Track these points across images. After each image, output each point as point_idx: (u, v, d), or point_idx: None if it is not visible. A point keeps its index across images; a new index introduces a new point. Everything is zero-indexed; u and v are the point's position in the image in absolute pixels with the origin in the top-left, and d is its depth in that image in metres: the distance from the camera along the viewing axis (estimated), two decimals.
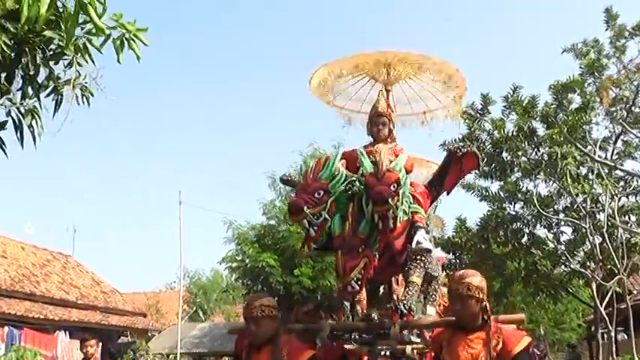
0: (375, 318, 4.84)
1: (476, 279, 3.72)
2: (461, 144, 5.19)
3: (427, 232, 4.99)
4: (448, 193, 5.69)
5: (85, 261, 25.38)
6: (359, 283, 4.53)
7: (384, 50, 5.95)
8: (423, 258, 4.85)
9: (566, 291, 13.18)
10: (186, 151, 66.24)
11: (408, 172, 4.93)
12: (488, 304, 3.73)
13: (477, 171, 12.61)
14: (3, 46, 3.53)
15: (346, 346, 4.97)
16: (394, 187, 4.49)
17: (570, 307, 21.55)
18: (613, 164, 10.49)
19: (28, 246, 22.52)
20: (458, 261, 12.49)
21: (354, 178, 4.73)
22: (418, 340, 4.81)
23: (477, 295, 3.66)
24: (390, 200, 4.41)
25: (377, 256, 4.65)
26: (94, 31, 3.79)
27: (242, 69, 67.84)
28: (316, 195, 4.48)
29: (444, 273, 7.45)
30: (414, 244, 4.72)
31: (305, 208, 4.39)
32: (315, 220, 4.47)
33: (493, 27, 66.79)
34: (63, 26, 3.83)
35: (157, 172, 65.27)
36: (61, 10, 3.60)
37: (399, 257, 4.84)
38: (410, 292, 4.70)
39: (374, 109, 5.48)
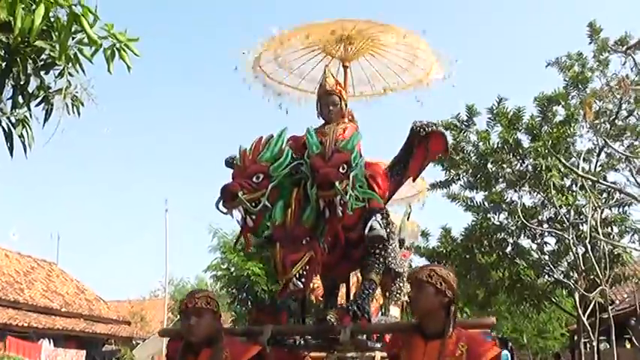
0: (332, 320, 4.22)
1: (442, 270, 3.23)
2: (425, 122, 4.58)
3: (385, 218, 4.39)
4: (414, 179, 5.12)
5: (68, 268, 25.30)
6: (302, 280, 3.86)
7: (342, 20, 5.22)
8: (382, 252, 4.32)
9: (550, 301, 13.28)
10: (172, 158, 65.99)
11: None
12: (454, 307, 3.15)
13: (461, 183, 12.70)
14: None
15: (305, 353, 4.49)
16: (343, 168, 3.91)
17: (553, 317, 21.75)
18: (596, 179, 10.60)
19: (12, 253, 22.41)
20: None
21: (300, 161, 4.16)
22: (378, 346, 4.34)
23: (438, 285, 3.12)
24: (337, 184, 3.77)
25: (326, 249, 4.01)
26: (85, 40, 3.83)
27: (232, 76, 67.68)
28: (254, 179, 3.89)
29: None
30: (366, 231, 4.15)
31: (240, 193, 3.76)
32: (253, 207, 3.83)
33: (480, 37, 67.29)
34: (55, 37, 3.86)
35: (142, 179, 65.02)
36: (53, 20, 3.63)
37: (355, 251, 4.28)
38: (365, 292, 4.16)
39: (321, 87, 4.93)
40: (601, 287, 9.36)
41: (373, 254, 4.26)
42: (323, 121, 4.86)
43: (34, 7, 3.32)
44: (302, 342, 4.32)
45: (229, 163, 4.68)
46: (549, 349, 25.50)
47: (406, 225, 8.92)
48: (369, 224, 4.14)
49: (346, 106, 4.91)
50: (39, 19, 3.28)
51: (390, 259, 4.51)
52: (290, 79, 5.74)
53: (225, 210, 3.85)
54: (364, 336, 4.16)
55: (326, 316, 4.32)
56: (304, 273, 3.83)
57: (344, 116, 4.86)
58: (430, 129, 4.56)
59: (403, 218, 8.76)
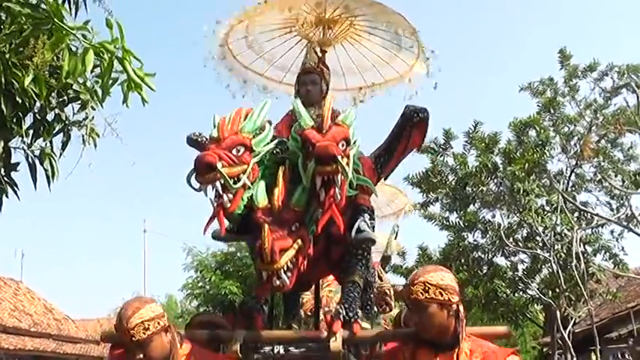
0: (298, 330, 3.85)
1: (436, 275, 2.70)
2: (418, 106, 4.01)
3: (372, 219, 3.85)
4: (385, 178, 4.53)
5: (34, 286, 24.89)
6: (288, 274, 3.19)
7: None
8: (366, 255, 3.80)
9: (525, 316, 13.65)
10: (148, 176, 65.14)
11: None
12: (461, 309, 2.71)
13: (439, 205, 12.91)
14: (32, 94, 3.69)
15: None
16: (343, 145, 3.37)
17: (526, 331, 22.28)
18: (592, 211, 11.10)
19: None
20: None
21: (284, 139, 3.67)
22: None
23: (440, 297, 2.65)
24: (339, 159, 3.22)
25: (311, 240, 3.39)
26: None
27: (207, 93, 67.27)
28: (234, 152, 3.30)
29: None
30: (353, 232, 3.59)
31: (219, 165, 3.15)
32: (232, 184, 3.23)
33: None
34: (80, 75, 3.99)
35: (114, 197, 64.14)
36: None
37: (335, 249, 3.71)
38: (351, 294, 3.61)
39: (302, 65, 4.45)
40: (586, 307, 9.76)
41: (355, 255, 3.75)
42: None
43: (78, 49, 3.50)
44: (281, 351, 3.62)
45: (193, 140, 3.98)
46: None
47: (392, 243, 9.10)
48: (356, 224, 3.64)
49: (328, 88, 4.42)
50: (90, 64, 3.43)
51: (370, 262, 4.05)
52: (259, 63, 5.09)
53: (197, 186, 3.25)
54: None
55: (290, 327, 3.95)
56: (290, 266, 3.21)
57: (324, 99, 4.27)
58: (424, 115, 4.02)
59: (390, 236, 8.93)
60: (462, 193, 12.05)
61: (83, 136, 4.40)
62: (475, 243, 12.72)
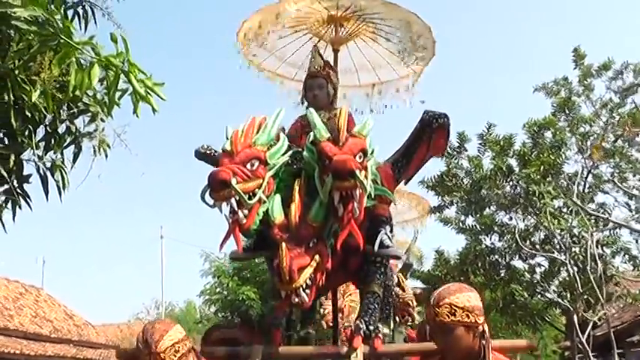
0: (314, 340, 3.90)
1: (462, 296, 2.55)
2: (437, 112, 3.90)
3: (391, 230, 3.82)
4: (406, 183, 4.44)
5: (54, 293, 25.15)
6: (307, 291, 3.18)
7: None
8: (385, 262, 3.79)
9: (544, 320, 13.53)
10: (165, 182, 65.41)
11: None
12: (486, 330, 2.58)
13: (455, 209, 12.85)
14: (42, 108, 3.74)
15: None
16: (360, 157, 3.31)
17: (546, 335, 22.06)
18: (604, 216, 10.98)
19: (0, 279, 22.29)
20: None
21: (298, 149, 3.62)
22: None
23: (467, 320, 2.51)
24: (357, 173, 3.15)
25: (330, 254, 3.37)
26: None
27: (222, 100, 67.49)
28: (249, 166, 3.23)
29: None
30: (376, 247, 3.55)
31: (233, 181, 3.08)
32: (248, 200, 3.16)
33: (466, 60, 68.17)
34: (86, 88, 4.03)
35: (131, 204, 64.53)
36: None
37: (353, 259, 3.66)
38: (371, 306, 3.60)
39: (308, 70, 4.42)
40: (603, 311, 9.67)
41: (374, 263, 3.75)
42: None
43: (88, 63, 3.54)
44: None
45: (201, 153, 3.99)
46: None
47: (413, 249, 9.15)
48: (378, 238, 3.59)
49: (335, 91, 4.40)
50: (95, 78, 3.48)
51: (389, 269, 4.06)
52: (272, 61, 5.18)
53: (212, 202, 3.20)
54: None
55: (308, 333, 3.98)
56: (309, 283, 3.21)
57: (333, 102, 4.35)
58: (443, 120, 3.91)
59: (411, 243, 8.97)
60: (477, 196, 11.95)
61: (94, 147, 4.42)
62: (492, 246, 12.61)
